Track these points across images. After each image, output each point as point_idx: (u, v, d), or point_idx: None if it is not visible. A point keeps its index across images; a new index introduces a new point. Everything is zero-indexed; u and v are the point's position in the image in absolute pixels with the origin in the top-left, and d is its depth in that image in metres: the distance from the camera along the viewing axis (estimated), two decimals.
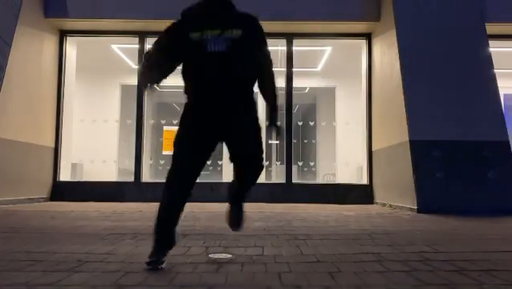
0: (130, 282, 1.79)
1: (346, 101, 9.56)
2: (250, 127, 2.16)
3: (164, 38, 2.22)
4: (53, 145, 7.49)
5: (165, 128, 9.35)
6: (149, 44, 7.86)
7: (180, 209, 2.10)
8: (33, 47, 6.89)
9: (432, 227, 3.95)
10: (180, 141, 2.11)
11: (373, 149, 7.41)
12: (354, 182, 7.85)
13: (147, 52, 2.29)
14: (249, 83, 2.21)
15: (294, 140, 7.94)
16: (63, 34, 7.72)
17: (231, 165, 2.25)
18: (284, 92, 7.77)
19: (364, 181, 7.48)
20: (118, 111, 9.69)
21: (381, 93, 7.13)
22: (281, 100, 8.00)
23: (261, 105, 2.40)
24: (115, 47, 8.82)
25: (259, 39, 2.26)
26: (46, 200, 7.14)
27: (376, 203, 7.03)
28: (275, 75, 2.27)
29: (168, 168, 2.11)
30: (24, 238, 3.06)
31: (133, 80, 7.87)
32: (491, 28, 6.57)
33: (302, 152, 10.07)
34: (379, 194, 7.01)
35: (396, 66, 6.28)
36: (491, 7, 6.76)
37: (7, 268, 2.03)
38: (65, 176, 7.65)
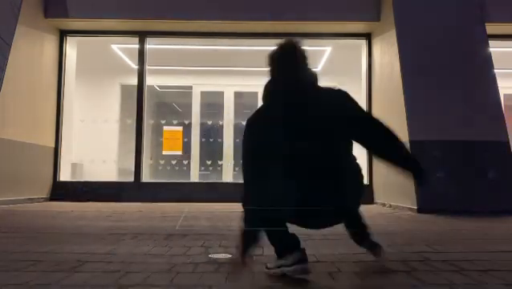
0: (130, 282, 1.79)
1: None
2: None
3: None
4: (53, 145, 7.49)
5: (165, 128, 9.34)
6: (149, 44, 7.87)
7: None
8: (33, 47, 6.89)
9: (432, 227, 3.95)
10: None
11: None
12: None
13: None
14: None
15: None
16: (63, 34, 7.72)
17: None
18: None
19: (364, 181, 7.48)
20: (118, 111, 9.69)
21: (381, 93, 7.13)
22: None
23: None
24: (115, 47, 8.82)
25: None
26: (46, 200, 7.14)
27: (376, 203, 7.03)
28: None
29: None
30: (24, 238, 3.06)
31: (133, 80, 7.89)
32: (491, 28, 6.57)
33: None
34: (379, 194, 7.00)
35: (396, 66, 6.28)
36: (491, 7, 6.76)
37: (7, 268, 2.03)
38: (65, 176, 7.65)
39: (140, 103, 7.72)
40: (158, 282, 1.80)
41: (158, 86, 10.10)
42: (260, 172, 1.88)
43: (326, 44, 8.59)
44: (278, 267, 1.88)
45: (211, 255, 2.37)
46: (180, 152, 9.31)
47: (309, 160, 1.87)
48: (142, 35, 7.73)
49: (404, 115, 5.83)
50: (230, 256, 2.35)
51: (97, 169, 8.92)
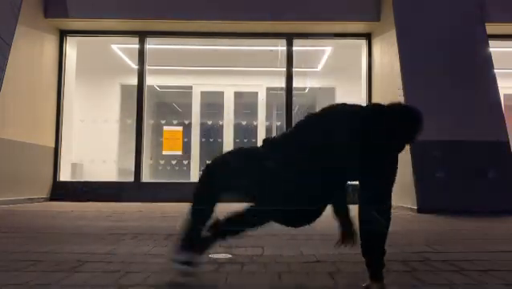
0: (130, 282, 1.79)
1: (346, 101, 9.53)
2: None
3: None
4: (53, 145, 7.48)
5: (165, 128, 9.34)
6: (149, 44, 7.87)
7: None
8: (33, 47, 6.89)
9: (432, 227, 3.95)
10: None
11: None
12: (354, 182, 7.85)
13: None
14: None
15: None
16: (63, 34, 7.72)
17: None
18: (284, 92, 7.77)
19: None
20: (118, 111, 9.68)
21: (381, 93, 7.13)
22: (281, 100, 8.02)
23: None
24: (115, 47, 8.82)
25: None
26: (46, 200, 7.14)
27: None
28: None
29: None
30: (24, 238, 3.06)
31: (133, 80, 7.89)
32: (491, 28, 6.57)
33: None
34: None
35: (396, 66, 6.28)
36: (491, 7, 6.76)
37: (7, 268, 2.03)
38: (65, 176, 7.65)
39: (140, 103, 7.72)
40: (158, 282, 1.80)
41: (158, 86, 10.10)
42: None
43: (326, 44, 8.59)
44: (180, 263, 1.82)
45: (211, 255, 2.37)
46: (180, 152, 9.30)
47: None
48: (142, 35, 7.73)
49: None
50: (230, 256, 2.35)
51: (97, 169, 8.92)
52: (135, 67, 8.09)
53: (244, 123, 9.76)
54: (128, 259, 2.25)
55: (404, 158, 5.75)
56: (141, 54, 7.75)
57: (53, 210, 5.43)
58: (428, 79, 6.04)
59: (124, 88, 9.65)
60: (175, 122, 9.51)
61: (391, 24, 6.54)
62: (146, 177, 8.04)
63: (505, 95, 8.39)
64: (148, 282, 1.80)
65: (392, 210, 1.84)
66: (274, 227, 1.97)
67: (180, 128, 9.39)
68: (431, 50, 6.18)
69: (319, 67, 9.63)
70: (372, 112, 1.87)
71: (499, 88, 6.14)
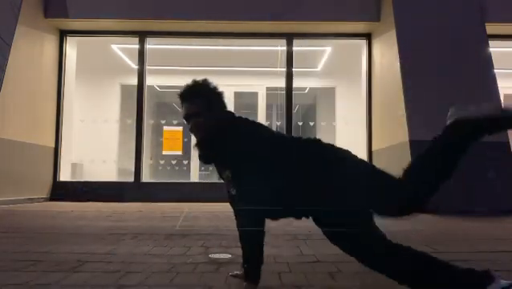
0: (130, 282, 1.79)
1: (346, 101, 9.56)
2: None
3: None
4: (53, 145, 7.49)
5: (165, 128, 9.34)
6: (149, 44, 7.87)
7: None
8: (33, 47, 6.89)
9: (432, 227, 3.95)
10: None
11: (373, 149, 7.40)
12: None
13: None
14: None
15: None
16: (63, 34, 7.72)
17: None
18: (284, 92, 7.77)
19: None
20: (118, 111, 9.68)
21: (381, 93, 7.13)
22: (281, 100, 8.02)
23: None
24: (115, 47, 8.83)
25: None
26: (46, 200, 7.14)
27: None
28: None
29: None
30: (24, 238, 3.06)
31: (133, 80, 7.89)
32: (491, 28, 6.57)
33: None
34: None
35: (396, 66, 6.28)
36: (491, 7, 6.76)
37: (7, 268, 2.03)
38: (65, 176, 7.65)
39: (140, 103, 7.72)
40: (158, 282, 1.80)
41: (158, 86, 10.09)
42: None
43: (326, 44, 8.59)
44: None
45: (211, 255, 2.37)
46: (180, 152, 9.30)
47: None
48: (142, 35, 7.74)
49: (405, 115, 5.83)
50: (230, 256, 2.35)
51: (97, 169, 8.91)
52: (135, 67, 8.09)
53: None
54: (128, 259, 2.25)
55: (404, 158, 5.75)
56: (141, 54, 7.76)
57: (53, 210, 5.43)
58: (428, 79, 6.04)
59: (124, 88, 9.65)
60: (175, 122, 9.50)
61: (391, 24, 6.54)
62: (146, 177, 8.04)
63: (505, 95, 8.39)
64: (148, 282, 1.80)
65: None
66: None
67: (180, 128, 9.38)
68: (431, 50, 6.18)
69: (319, 67, 9.63)
70: None
71: (499, 88, 6.14)
